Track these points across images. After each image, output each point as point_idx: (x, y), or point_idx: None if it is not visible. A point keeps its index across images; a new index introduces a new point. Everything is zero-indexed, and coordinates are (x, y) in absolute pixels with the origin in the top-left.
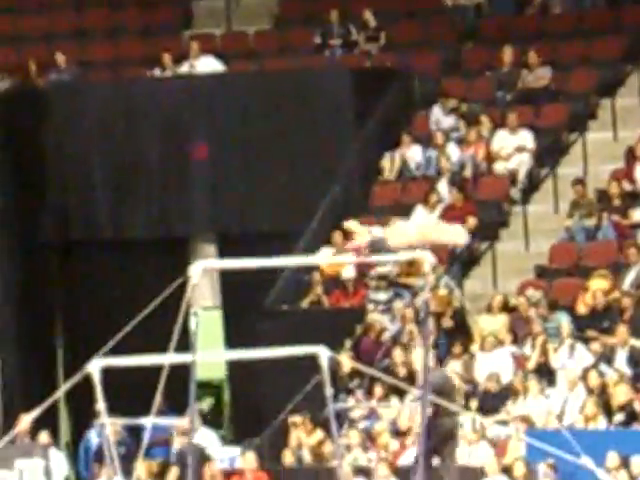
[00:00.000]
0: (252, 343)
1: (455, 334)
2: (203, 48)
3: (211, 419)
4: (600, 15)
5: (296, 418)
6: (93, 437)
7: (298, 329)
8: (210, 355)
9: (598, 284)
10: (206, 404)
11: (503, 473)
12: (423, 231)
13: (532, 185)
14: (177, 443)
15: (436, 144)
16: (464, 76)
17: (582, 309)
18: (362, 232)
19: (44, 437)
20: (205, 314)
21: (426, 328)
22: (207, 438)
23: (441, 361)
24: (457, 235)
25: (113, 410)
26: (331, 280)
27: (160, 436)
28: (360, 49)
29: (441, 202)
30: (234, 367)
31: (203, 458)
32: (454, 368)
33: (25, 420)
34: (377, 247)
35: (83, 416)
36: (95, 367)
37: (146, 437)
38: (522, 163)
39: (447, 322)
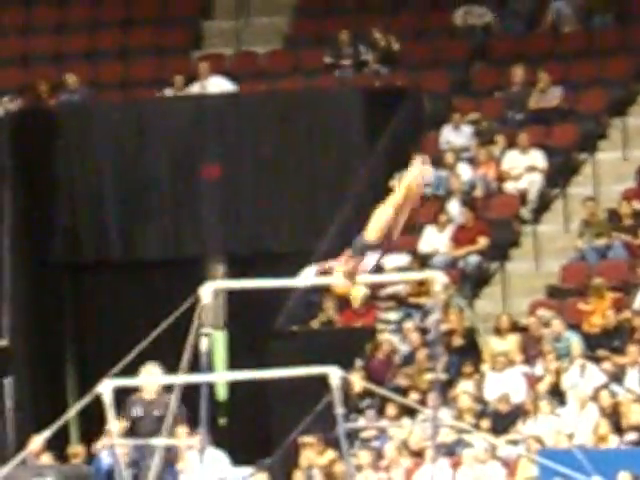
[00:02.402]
0: (263, 364)
1: (466, 354)
2: (213, 68)
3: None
4: (610, 34)
5: (307, 438)
6: (104, 458)
7: (309, 349)
8: (222, 376)
9: (601, 303)
10: (223, 421)
11: None
12: (401, 193)
13: (543, 205)
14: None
15: (446, 164)
16: (474, 96)
17: (588, 327)
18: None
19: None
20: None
21: (437, 348)
22: (216, 458)
23: (451, 381)
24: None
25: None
26: (342, 300)
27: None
28: (370, 69)
29: (451, 222)
30: (245, 387)
31: None
32: (465, 388)
33: (36, 441)
34: (358, 248)
35: (94, 437)
36: (106, 388)
37: (157, 458)
38: (533, 183)
39: (457, 342)
